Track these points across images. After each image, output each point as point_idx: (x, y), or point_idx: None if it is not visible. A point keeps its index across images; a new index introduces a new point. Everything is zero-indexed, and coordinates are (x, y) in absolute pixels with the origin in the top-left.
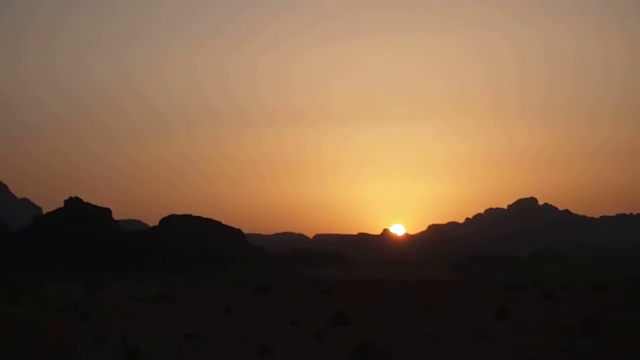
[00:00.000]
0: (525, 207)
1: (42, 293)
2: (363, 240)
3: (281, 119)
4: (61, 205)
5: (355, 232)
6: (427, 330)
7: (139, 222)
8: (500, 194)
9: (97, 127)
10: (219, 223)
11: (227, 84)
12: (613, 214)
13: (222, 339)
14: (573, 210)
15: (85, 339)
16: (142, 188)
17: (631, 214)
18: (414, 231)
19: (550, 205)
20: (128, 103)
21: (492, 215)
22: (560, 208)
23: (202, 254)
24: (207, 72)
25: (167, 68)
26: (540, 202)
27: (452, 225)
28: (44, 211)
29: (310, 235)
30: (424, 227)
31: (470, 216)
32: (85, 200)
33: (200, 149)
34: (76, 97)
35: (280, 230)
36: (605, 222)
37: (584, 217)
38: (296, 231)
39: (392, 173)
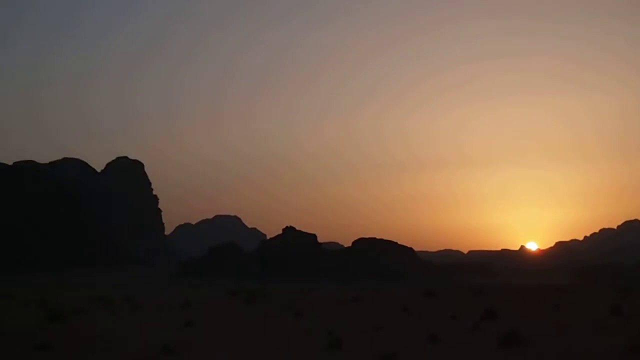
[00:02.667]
0: (632, 227)
1: (267, 297)
2: (505, 254)
3: (429, 165)
4: (280, 232)
5: (499, 248)
6: (558, 323)
7: (337, 243)
8: (611, 217)
9: (303, 175)
10: (396, 243)
11: (408, 139)
12: None
13: (399, 330)
14: None
15: (298, 331)
16: (339, 219)
17: None
18: (544, 247)
19: None
20: (326, 156)
21: (605, 234)
22: None
23: (384, 267)
24: (391, 131)
25: (358, 128)
26: None
27: (574, 242)
28: (268, 237)
29: (465, 251)
30: (552, 244)
31: (588, 234)
32: (297, 228)
33: (371, 189)
34: (281, 154)
35: (442, 248)
36: None
37: None
38: (454, 248)
39: (526, 203)
